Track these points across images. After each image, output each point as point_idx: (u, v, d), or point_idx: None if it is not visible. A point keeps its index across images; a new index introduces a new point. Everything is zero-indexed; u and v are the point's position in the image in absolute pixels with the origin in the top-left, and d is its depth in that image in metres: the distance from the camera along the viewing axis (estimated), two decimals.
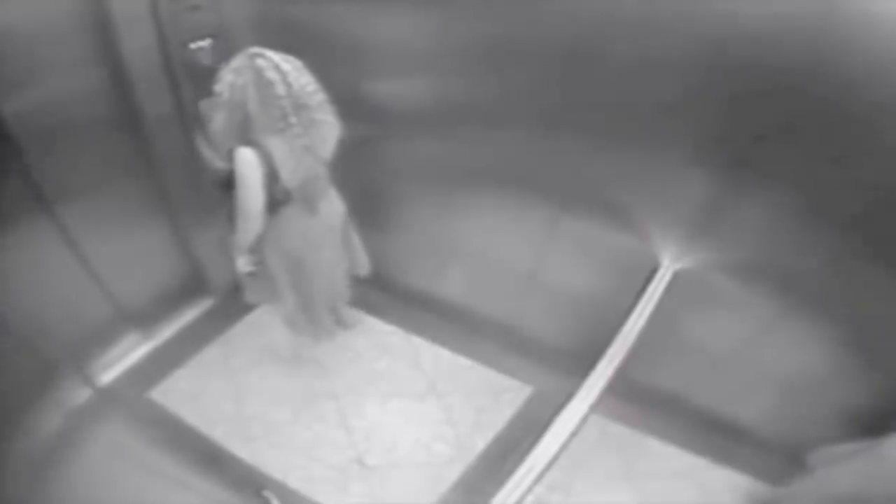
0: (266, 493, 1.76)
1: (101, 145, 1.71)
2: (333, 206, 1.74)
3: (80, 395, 1.94)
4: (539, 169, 1.77)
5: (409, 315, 2.39)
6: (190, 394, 2.07)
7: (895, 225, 1.35)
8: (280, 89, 1.39)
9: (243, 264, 1.73)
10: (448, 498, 1.82)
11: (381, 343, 2.30)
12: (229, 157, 1.45)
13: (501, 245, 2.06)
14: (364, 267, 2.02)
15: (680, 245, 1.71)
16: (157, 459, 1.83)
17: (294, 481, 1.84)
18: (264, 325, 2.33)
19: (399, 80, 1.85)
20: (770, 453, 1.90)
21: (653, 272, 1.73)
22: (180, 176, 1.93)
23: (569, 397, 1.46)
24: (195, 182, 1.97)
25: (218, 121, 1.51)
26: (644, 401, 2.03)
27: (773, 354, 1.73)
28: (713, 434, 1.98)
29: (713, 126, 1.44)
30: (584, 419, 1.43)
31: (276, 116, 1.41)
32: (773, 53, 1.26)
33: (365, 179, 1.64)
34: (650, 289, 1.69)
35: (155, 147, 1.82)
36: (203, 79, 1.75)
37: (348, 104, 1.56)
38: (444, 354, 2.27)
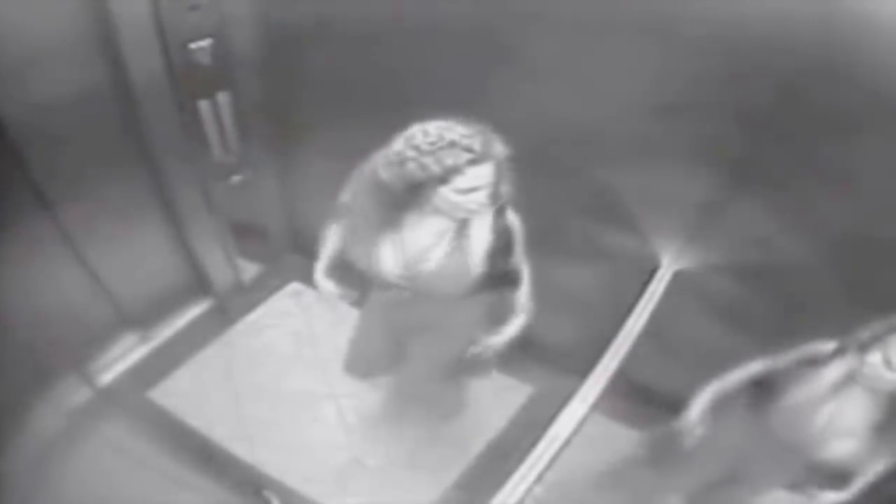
0: (266, 493, 1.76)
1: (101, 145, 1.71)
2: None
3: (80, 395, 1.94)
4: (539, 170, 1.77)
5: None
6: (190, 394, 2.07)
7: (895, 225, 1.35)
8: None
9: None
10: (448, 498, 1.82)
11: None
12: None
13: None
14: None
15: (680, 245, 1.72)
16: (157, 459, 1.82)
17: (294, 481, 1.84)
18: (264, 325, 2.33)
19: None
20: None
21: (653, 272, 1.74)
22: (180, 176, 1.93)
23: (569, 397, 1.47)
24: (195, 182, 1.97)
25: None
26: (644, 401, 2.03)
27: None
28: None
29: (713, 127, 1.44)
30: (584, 419, 1.44)
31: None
32: (773, 56, 1.26)
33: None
34: (650, 289, 1.70)
35: (155, 147, 1.82)
36: (203, 79, 1.75)
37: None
38: None
